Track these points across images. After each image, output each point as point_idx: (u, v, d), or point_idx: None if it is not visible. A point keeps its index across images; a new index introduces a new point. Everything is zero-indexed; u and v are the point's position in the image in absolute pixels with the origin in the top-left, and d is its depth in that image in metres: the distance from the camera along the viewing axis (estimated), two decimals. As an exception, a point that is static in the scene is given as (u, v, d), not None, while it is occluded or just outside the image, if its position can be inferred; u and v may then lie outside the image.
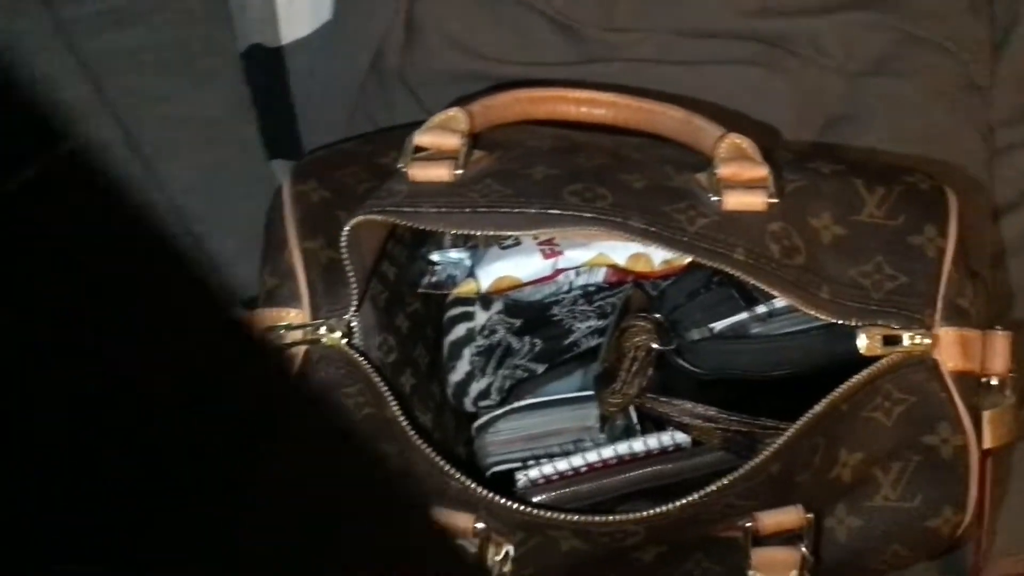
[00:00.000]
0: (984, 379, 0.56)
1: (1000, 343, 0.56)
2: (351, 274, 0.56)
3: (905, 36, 0.75)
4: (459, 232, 0.63)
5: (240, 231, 0.77)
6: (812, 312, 0.54)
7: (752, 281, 0.53)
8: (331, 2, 0.82)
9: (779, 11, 0.75)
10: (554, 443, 0.62)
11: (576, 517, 0.52)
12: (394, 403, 0.55)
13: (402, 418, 0.54)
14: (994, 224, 0.78)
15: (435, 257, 0.64)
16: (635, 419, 0.62)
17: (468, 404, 0.64)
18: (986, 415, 0.56)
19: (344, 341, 0.56)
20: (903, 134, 0.74)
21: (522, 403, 0.62)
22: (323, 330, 0.56)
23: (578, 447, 0.60)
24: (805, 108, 0.75)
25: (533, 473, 0.58)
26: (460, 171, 0.56)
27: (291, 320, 0.57)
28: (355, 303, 0.56)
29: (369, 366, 0.55)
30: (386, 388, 0.55)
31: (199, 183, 0.81)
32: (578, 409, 0.62)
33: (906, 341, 0.54)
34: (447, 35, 0.77)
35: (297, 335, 0.56)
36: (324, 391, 0.55)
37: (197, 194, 0.81)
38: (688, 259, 0.60)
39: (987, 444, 0.57)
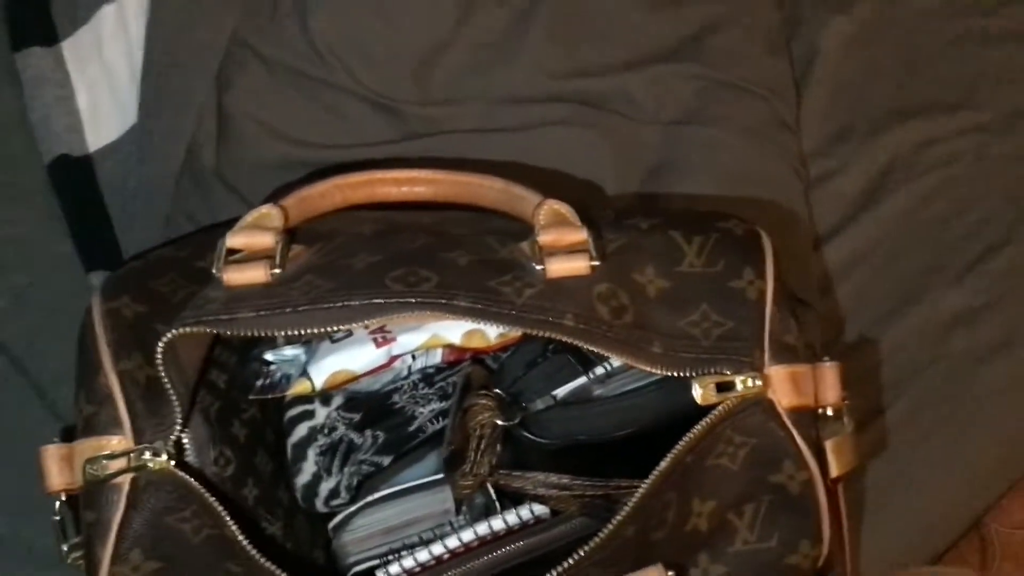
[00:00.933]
0: (820, 410, 0.57)
1: (829, 375, 0.57)
2: (171, 392, 0.53)
3: (710, 83, 0.78)
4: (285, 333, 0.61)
5: (60, 352, 0.74)
6: (647, 368, 0.54)
7: (586, 346, 0.53)
8: (136, 104, 0.79)
9: (588, 72, 0.77)
10: (414, 532, 0.60)
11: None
12: (231, 522, 0.52)
13: (241, 537, 0.52)
14: (818, 252, 0.81)
15: (269, 357, 0.62)
16: (493, 495, 0.60)
17: (320, 505, 0.61)
18: (828, 445, 0.57)
19: (172, 463, 0.53)
20: (720, 176, 0.76)
21: (376, 495, 0.60)
22: (148, 455, 0.53)
23: (438, 534, 0.58)
24: (623, 162, 0.76)
25: (393, 569, 0.57)
26: (277, 270, 0.54)
27: (113, 448, 0.54)
28: (179, 421, 0.53)
29: (200, 487, 0.53)
30: (221, 508, 0.52)
31: (13, 305, 0.77)
32: (434, 494, 0.61)
33: (739, 386, 0.54)
34: (261, 124, 0.76)
35: (121, 463, 0.53)
36: (156, 519, 0.52)
37: (12, 317, 0.77)
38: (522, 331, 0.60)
39: (834, 473, 0.58)
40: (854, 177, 0.82)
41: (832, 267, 0.80)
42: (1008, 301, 0.77)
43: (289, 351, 0.62)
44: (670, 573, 0.53)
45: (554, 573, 0.51)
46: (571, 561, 0.51)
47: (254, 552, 0.51)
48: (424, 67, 0.76)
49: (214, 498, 0.52)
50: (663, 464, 0.53)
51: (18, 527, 0.70)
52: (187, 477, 0.53)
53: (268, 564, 0.51)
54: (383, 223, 0.59)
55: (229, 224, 0.65)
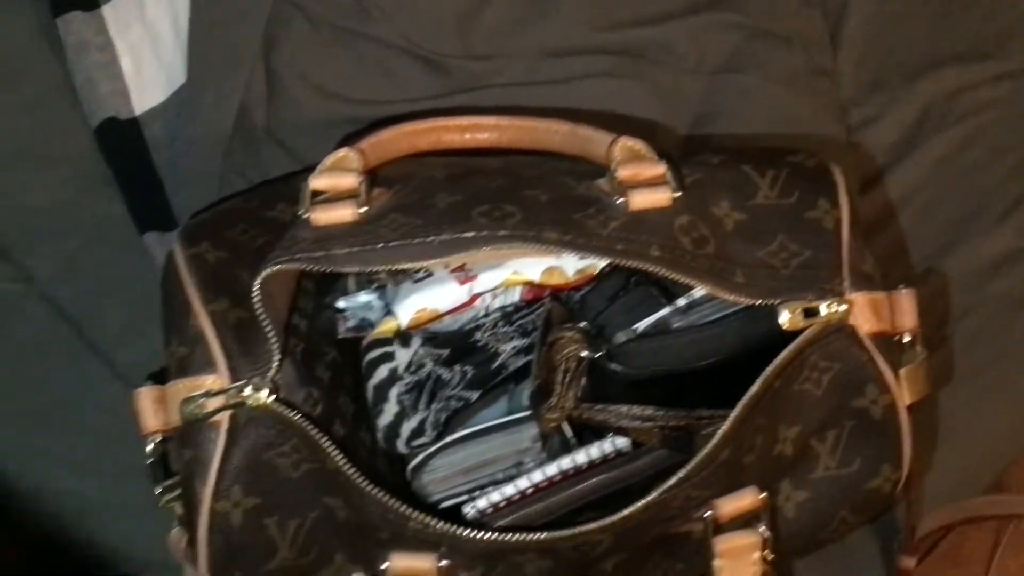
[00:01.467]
0: (897, 337, 0.58)
1: (906, 301, 0.58)
2: (269, 329, 0.54)
3: (750, 32, 0.79)
4: (365, 273, 0.62)
5: (117, 313, 0.74)
6: (731, 297, 0.55)
7: (671, 275, 0.54)
8: (183, 64, 0.79)
9: (631, 22, 0.77)
10: (493, 471, 0.61)
11: (544, 535, 0.52)
12: (336, 453, 0.53)
13: (347, 466, 0.52)
14: (860, 199, 0.82)
15: (342, 304, 0.62)
16: (570, 434, 0.61)
17: (400, 446, 0.62)
18: (903, 372, 0.58)
19: (272, 399, 0.54)
20: (763, 124, 0.77)
21: (454, 436, 0.61)
22: (248, 391, 0.53)
23: (520, 470, 0.59)
24: (667, 112, 0.77)
25: (481, 503, 0.57)
26: (363, 209, 0.55)
27: (209, 387, 0.54)
28: (277, 358, 0.54)
29: (302, 420, 0.53)
30: (325, 439, 0.53)
31: (67, 269, 0.78)
32: (511, 434, 0.61)
33: (823, 310, 0.55)
34: (310, 83, 0.76)
35: (219, 401, 0.54)
36: (255, 455, 0.53)
37: (67, 281, 0.77)
38: (600, 266, 0.60)
39: (907, 400, 0.59)
40: (890, 126, 0.83)
41: (873, 215, 0.81)
42: (1048, 242, 0.78)
43: (362, 297, 0.62)
44: (763, 495, 0.54)
45: (656, 493, 0.52)
46: (672, 481, 0.52)
47: (361, 479, 0.52)
48: (467, 21, 0.76)
49: (317, 431, 0.53)
50: (754, 387, 0.54)
51: (91, 488, 0.70)
52: (288, 412, 0.53)
53: (376, 490, 0.51)
54: (455, 167, 0.60)
55: (288, 177, 0.66)
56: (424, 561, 0.52)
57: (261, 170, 0.75)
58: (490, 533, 0.51)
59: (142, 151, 0.80)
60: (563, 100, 0.76)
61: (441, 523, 0.51)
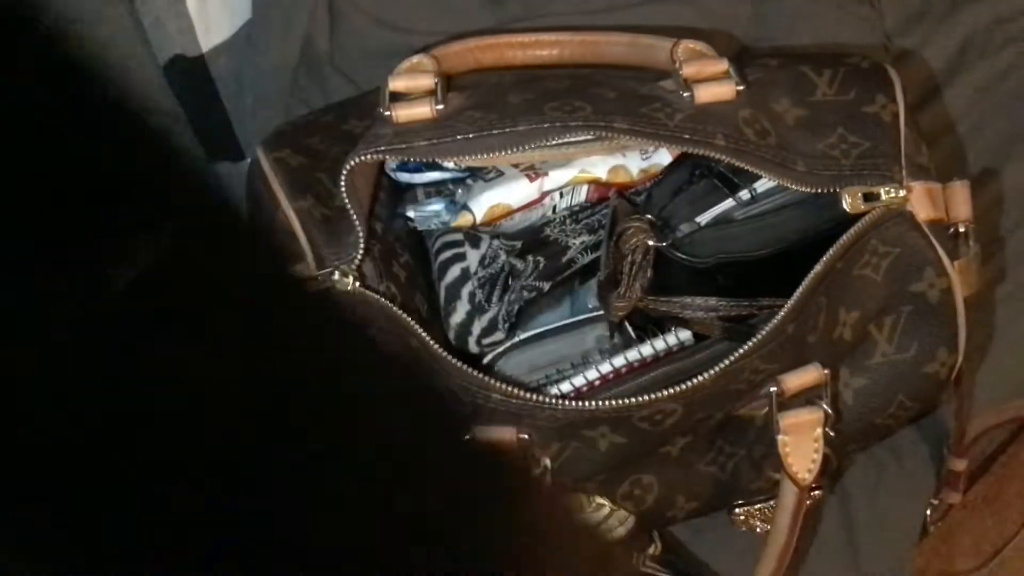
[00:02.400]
0: (951, 228, 0.60)
1: (960, 193, 0.60)
2: (355, 217, 0.56)
3: (796, -39, 0.80)
4: (433, 184, 0.65)
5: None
6: (794, 185, 0.57)
7: (736, 163, 0.56)
8: (244, 2, 0.82)
9: None
10: (560, 369, 0.63)
11: (619, 402, 0.54)
12: (420, 330, 0.55)
13: (430, 341, 0.55)
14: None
15: (411, 213, 0.65)
16: (631, 332, 0.64)
17: (472, 345, 0.65)
18: (956, 264, 0.60)
19: (358, 284, 0.57)
20: (813, 47, 0.79)
21: (523, 336, 0.63)
22: (336, 275, 0.56)
23: (590, 363, 0.62)
24: (719, 37, 0.79)
25: (553, 391, 0.60)
26: (440, 106, 0.58)
27: (299, 274, 0.57)
28: (362, 246, 0.57)
29: (388, 302, 0.56)
30: (408, 318, 0.56)
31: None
32: (576, 334, 0.64)
33: (883, 196, 0.58)
34: (370, 14, 0.78)
35: (311, 286, 0.56)
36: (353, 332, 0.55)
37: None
38: (664, 164, 0.63)
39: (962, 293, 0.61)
40: (934, 54, 0.84)
41: (919, 139, 0.83)
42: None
43: (431, 206, 0.65)
44: (826, 371, 0.56)
45: (727, 361, 0.55)
46: (744, 349, 0.55)
47: (443, 352, 0.54)
48: None
49: (401, 311, 0.55)
50: (818, 267, 0.56)
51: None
52: (373, 295, 0.56)
53: (457, 362, 0.54)
54: (522, 75, 0.62)
55: (358, 98, 0.68)
56: (505, 432, 0.55)
57: (325, 99, 0.77)
58: (569, 402, 0.54)
59: (209, 87, 0.83)
60: (618, 27, 0.78)
61: (522, 391, 0.54)
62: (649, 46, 0.62)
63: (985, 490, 0.75)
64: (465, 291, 0.64)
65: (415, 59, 0.60)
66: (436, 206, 0.65)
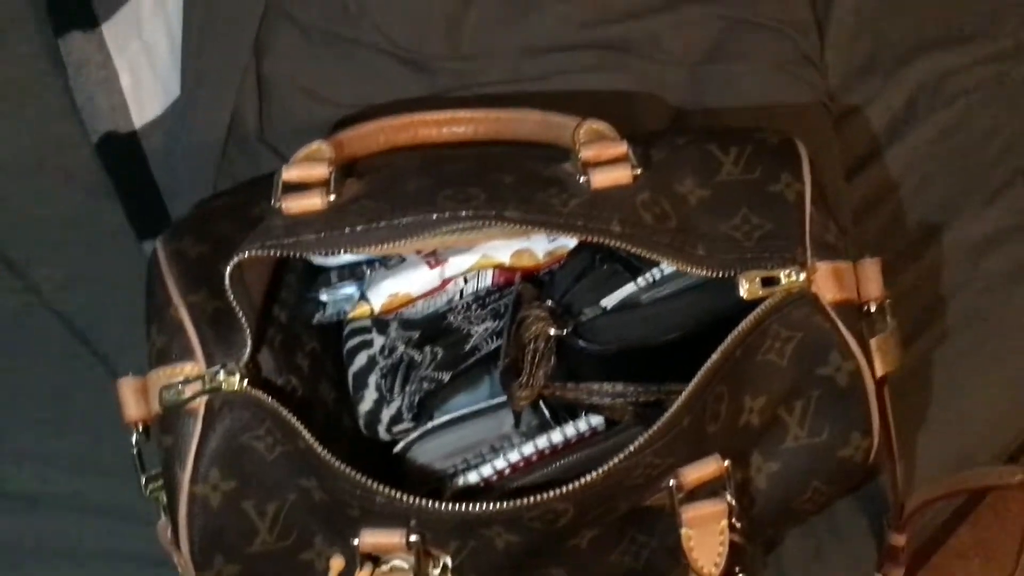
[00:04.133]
0: (864, 306, 0.58)
1: (871, 269, 0.59)
2: (240, 314, 0.55)
3: (735, 22, 0.80)
4: (347, 267, 0.64)
5: (120, 321, 0.76)
6: (692, 270, 0.56)
7: (632, 249, 0.55)
8: (179, 77, 0.82)
9: (615, 17, 0.79)
10: (475, 454, 0.62)
11: (504, 504, 0.53)
12: (305, 432, 0.54)
13: (315, 444, 0.54)
14: (849, 184, 0.82)
15: (324, 297, 0.64)
16: (547, 414, 0.62)
17: (382, 432, 0.63)
18: (873, 343, 0.59)
19: (245, 383, 0.55)
20: (749, 111, 0.78)
21: (436, 423, 0.62)
22: (222, 375, 0.55)
23: (499, 453, 0.60)
24: (653, 104, 0.78)
25: (459, 483, 0.58)
26: (332, 197, 0.57)
27: (187, 374, 0.56)
28: (249, 342, 0.56)
29: (275, 402, 0.55)
30: (295, 419, 0.55)
31: (72, 278, 0.80)
32: (491, 419, 0.62)
33: (783, 279, 0.56)
34: (299, 87, 0.78)
35: (196, 387, 0.55)
36: (232, 438, 0.54)
37: (72, 289, 0.79)
38: (570, 246, 0.62)
39: (879, 371, 0.59)
40: (879, 110, 0.84)
41: (864, 197, 0.82)
42: (1038, 221, 0.78)
43: (344, 290, 0.64)
44: (726, 463, 0.55)
45: (618, 458, 0.53)
46: (633, 447, 0.53)
47: (328, 456, 0.53)
48: (453, 22, 0.78)
49: (288, 412, 0.54)
50: (714, 357, 0.54)
51: (101, 487, 0.72)
52: (260, 394, 0.55)
53: (342, 466, 0.53)
54: (429, 156, 0.61)
55: (273, 175, 0.67)
56: (393, 536, 0.53)
57: (255, 174, 0.77)
58: (453, 504, 0.52)
59: (141, 163, 0.82)
60: (550, 96, 0.77)
61: (406, 495, 0.53)
62: (558, 124, 0.61)
63: (975, 537, 0.73)
64: (372, 379, 0.62)
65: (313, 146, 0.60)
66: (349, 289, 0.64)
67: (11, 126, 0.83)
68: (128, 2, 0.84)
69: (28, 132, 0.84)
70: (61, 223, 0.82)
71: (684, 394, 0.53)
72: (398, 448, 0.62)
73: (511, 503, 0.52)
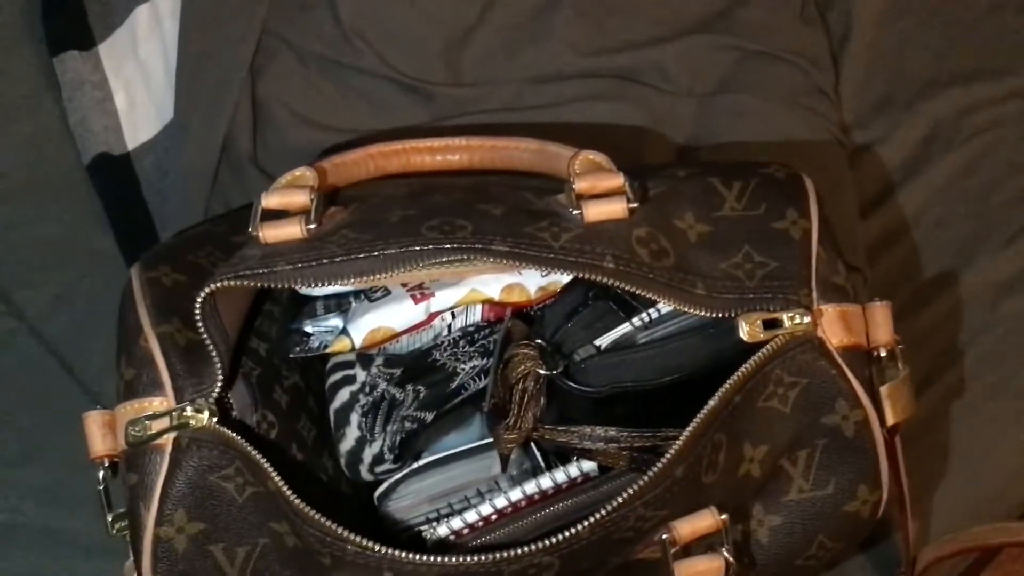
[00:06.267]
0: (874, 352, 0.55)
1: (880, 313, 0.55)
2: (211, 348, 0.53)
3: (744, 53, 0.77)
4: (334, 297, 0.61)
5: (105, 347, 0.74)
6: (690, 310, 0.53)
7: (625, 287, 0.52)
8: (173, 100, 0.80)
9: (619, 47, 0.76)
10: (462, 498, 0.59)
11: (483, 557, 0.49)
12: (275, 474, 0.51)
13: (284, 487, 0.51)
14: (864, 221, 0.79)
15: (308, 329, 0.61)
16: (539, 457, 0.59)
17: (364, 472, 0.60)
18: (883, 391, 0.55)
19: (214, 420, 0.53)
20: (758, 144, 0.75)
21: (421, 463, 0.59)
22: (189, 411, 0.52)
23: (485, 496, 0.57)
24: (659, 135, 0.76)
25: (442, 530, 0.55)
26: (312, 226, 0.54)
27: (155, 409, 0.53)
28: (220, 379, 0.53)
29: (243, 441, 0.52)
30: (265, 460, 0.52)
31: (58, 303, 0.78)
32: (479, 460, 0.59)
33: (786, 322, 0.53)
34: (294, 112, 0.76)
35: (163, 423, 0.53)
36: (199, 478, 0.51)
37: (57, 314, 0.77)
38: (564, 282, 0.59)
39: (890, 420, 0.56)
40: (896, 147, 0.81)
41: (879, 236, 0.79)
42: (1058, 264, 0.76)
43: (329, 321, 0.61)
44: (723, 516, 0.52)
45: (605, 511, 0.50)
46: (621, 499, 0.50)
47: (297, 500, 0.50)
48: (453, 49, 0.76)
49: (257, 452, 0.51)
50: (711, 403, 0.51)
51: (67, 520, 0.70)
52: (229, 432, 0.52)
53: (311, 511, 0.50)
54: (419, 185, 0.59)
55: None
56: None
57: (246, 199, 0.75)
58: (428, 556, 0.49)
59: (132, 185, 0.80)
60: (552, 124, 0.75)
61: (379, 546, 0.50)
62: (555, 155, 0.58)
63: None
64: (354, 417, 0.60)
65: (297, 172, 0.57)
66: (335, 321, 0.61)
67: (6, 144, 0.82)
68: (125, 22, 0.83)
69: (19, 151, 0.82)
70: (48, 245, 0.80)
71: (678, 443, 0.50)
72: (381, 489, 0.59)
73: (489, 556, 0.49)
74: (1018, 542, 0.62)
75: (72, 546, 0.68)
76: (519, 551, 0.49)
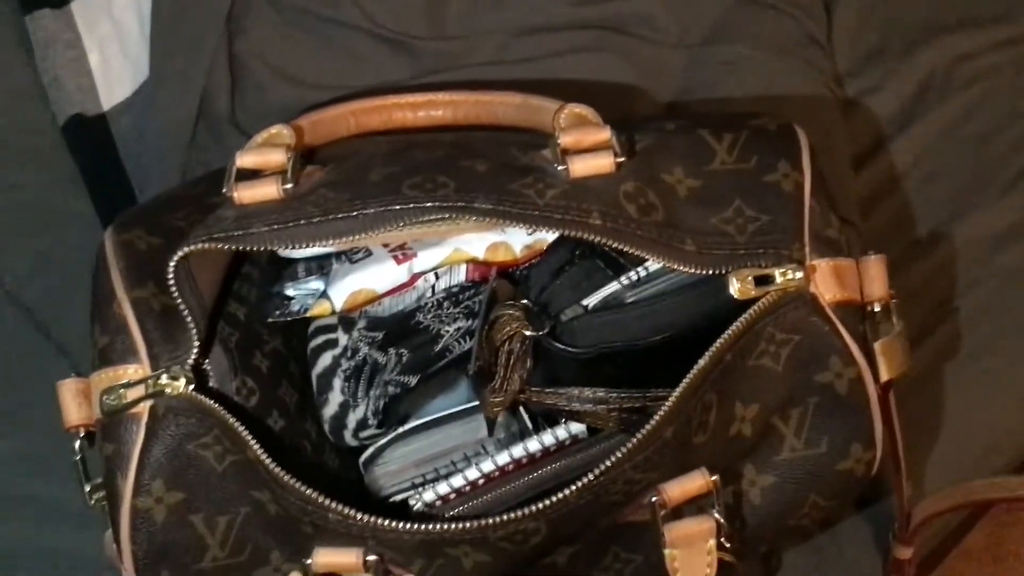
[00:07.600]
0: (868, 307, 0.54)
1: (875, 267, 0.54)
2: (186, 314, 0.51)
3: (736, 2, 0.76)
4: (315, 259, 0.60)
5: (83, 312, 0.73)
6: (680, 267, 0.51)
7: (613, 244, 0.51)
8: (148, 58, 0.78)
9: None
10: (448, 462, 0.58)
11: (467, 524, 0.48)
12: (254, 442, 0.50)
13: (264, 455, 0.49)
14: (857, 173, 0.78)
15: (290, 292, 0.60)
16: (527, 420, 0.58)
17: (348, 438, 0.59)
18: (877, 346, 0.54)
19: (191, 388, 0.51)
20: (750, 95, 0.74)
21: (406, 427, 0.58)
22: (164, 379, 0.51)
23: (473, 460, 0.56)
24: (649, 86, 0.74)
25: (428, 496, 0.54)
26: (289, 186, 0.52)
27: (130, 377, 0.52)
28: (196, 345, 0.51)
29: (221, 408, 0.51)
30: (243, 428, 0.50)
31: (36, 267, 0.76)
32: (466, 423, 0.58)
33: (778, 278, 0.52)
34: (274, 68, 0.74)
35: (138, 391, 0.51)
36: (177, 447, 0.50)
37: (36, 279, 0.76)
38: (550, 240, 0.57)
39: (884, 376, 0.55)
40: (890, 96, 0.80)
41: (872, 187, 0.78)
42: (1054, 215, 0.74)
43: (310, 284, 0.60)
44: (714, 478, 0.50)
45: (593, 474, 0.49)
46: (609, 462, 0.49)
47: (277, 469, 0.49)
48: (436, 1, 0.74)
49: (236, 419, 0.50)
50: (701, 362, 0.50)
51: (50, 489, 0.69)
52: (207, 400, 0.51)
53: (292, 480, 0.49)
54: (399, 142, 0.57)
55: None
56: (349, 555, 0.49)
57: (225, 159, 0.73)
58: (410, 523, 0.48)
59: (108, 147, 0.79)
60: (540, 77, 0.73)
61: (361, 514, 0.48)
62: (540, 108, 0.57)
63: (986, 539, 0.69)
64: (337, 381, 0.58)
65: (273, 130, 0.55)
66: (316, 284, 0.60)
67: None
68: (98, -21, 0.80)
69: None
70: (24, 210, 0.78)
71: (668, 403, 0.49)
72: (366, 456, 0.58)
73: (474, 523, 0.48)
74: (1016, 497, 0.61)
75: (57, 514, 0.67)
76: (504, 517, 0.48)
